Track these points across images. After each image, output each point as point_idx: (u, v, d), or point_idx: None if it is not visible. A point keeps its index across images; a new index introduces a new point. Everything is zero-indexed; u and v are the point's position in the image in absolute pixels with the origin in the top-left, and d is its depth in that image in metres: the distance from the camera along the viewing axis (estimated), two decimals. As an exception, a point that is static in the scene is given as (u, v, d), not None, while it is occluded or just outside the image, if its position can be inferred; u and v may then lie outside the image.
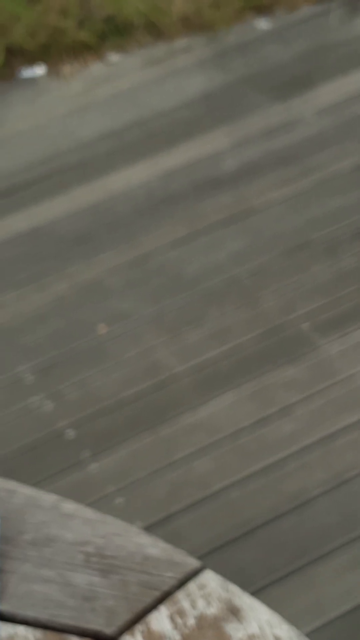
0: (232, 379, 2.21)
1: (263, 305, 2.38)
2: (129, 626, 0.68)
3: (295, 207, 2.65)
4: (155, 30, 3.38)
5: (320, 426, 2.08)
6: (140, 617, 0.68)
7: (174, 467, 2.05)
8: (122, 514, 1.97)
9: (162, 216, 2.69)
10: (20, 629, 0.69)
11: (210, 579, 0.71)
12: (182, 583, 0.71)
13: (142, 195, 2.78)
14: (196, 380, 2.23)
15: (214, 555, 1.88)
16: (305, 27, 3.35)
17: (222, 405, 2.16)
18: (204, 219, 2.66)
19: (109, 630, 0.69)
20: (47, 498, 0.79)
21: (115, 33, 3.36)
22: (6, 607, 0.70)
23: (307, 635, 1.73)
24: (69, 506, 0.79)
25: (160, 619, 0.68)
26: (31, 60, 3.35)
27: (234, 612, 0.67)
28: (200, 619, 0.67)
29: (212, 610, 0.68)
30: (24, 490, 0.80)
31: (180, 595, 0.70)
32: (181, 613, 0.68)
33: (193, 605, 0.69)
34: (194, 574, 0.72)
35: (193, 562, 0.72)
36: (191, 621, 0.67)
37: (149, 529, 1.93)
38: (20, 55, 3.36)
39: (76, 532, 0.76)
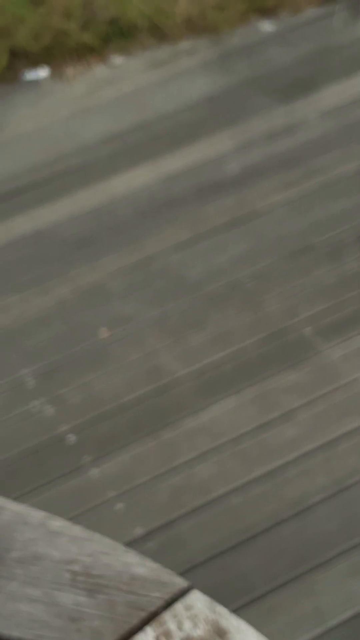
0: (234, 383, 2.21)
1: (265, 309, 2.37)
2: (114, 647, 0.68)
3: (299, 211, 2.64)
4: (159, 33, 3.37)
5: (322, 431, 2.07)
6: (125, 638, 0.68)
7: (175, 472, 2.05)
8: (123, 520, 1.97)
9: (164, 219, 2.68)
10: (6, 649, 0.69)
11: (197, 600, 0.70)
12: (169, 604, 0.70)
13: (145, 198, 2.77)
14: (198, 385, 2.22)
15: (214, 562, 1.88)
16: (309, 29, 3.34)
17: (224, 409, 2.16)
18: (207, 223, 2.65)
19: (94, 651, 0.68)
20: (35, 515, 0.78)
21: (119, 35, 3.36)
22: (-8, 627, 0.70)
23: (308, 642, 1.73)
24: (57, 523, 0.78)
25: (146, 641, 0.68)
26: (34, 62, 3.35)
27: (220, 634, 0.67)
28: (186, 641, 0.67)
29: (199, 632, 0.67)
30: (12, 507, 0.79)
31: (166, 616, 0.69)
32: (167, 634, 0.68)
33: (179, 626, 0.68)
34: (181, 594, 0.71)
35: (180, 582, 0.72)
36: (177, 643, 0.67)
37: (150, 534, 1.93)
38: (23, 58, 3.36)
39: (63, 550, 0.75)
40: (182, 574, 1.84)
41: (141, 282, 2.52)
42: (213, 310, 2.39)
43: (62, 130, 3.10)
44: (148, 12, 3.37)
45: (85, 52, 3.33)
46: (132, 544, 1.92)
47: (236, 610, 1.77)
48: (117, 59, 3.36)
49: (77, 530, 0.77)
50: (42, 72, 3.32)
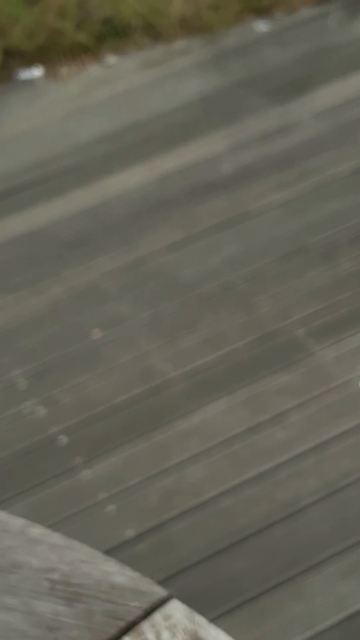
0: (226, 384, 2.20)
1: (258, 311, 2.36)
2: (92, 657, 0.67)
3: (292, 212, 2.63)
4: (154, 32, 3.36)
5: (314, 433, 2.07)
6: (103, 648, 0.67)
7: (166, 474, 2.04)
8: (114, 521, 1.97)
9: (158, 220, 2.68)
10: (-17, 659, 0.68)
11: (176, 609, 0.70)
12: (147, 613, 0.70)
13: (139, 198, 2.77)
14: (190, 386, 2.22)
15: (206, 564, 1.87)
16: (304, 29, 3.33)
17: (216, 411, 2.15)
18: (201, 223, 2.65)
19: (72, 661, 0.67)
20: (15, 522, 0.78)
21: (113, 35, 3.35)
22: (-31, 637, 0.69)
23: (298, 645, 1.72)
24: (36, 531, 0.78)
25: (123, 651, 0.67)
26: (29, 61, 3.34)
27: (198, 644, 0.66)
28: (164, 652, 0.66)
29: (177, 642, 0.67)
30: (-8, 514, 0.78)
31: (145, 626, 0.69)
32: (145, 645, 0.67)
33: (158, 636, 0.68)
34: (160, 603, 0.70)
35: (160, 592, 0.71)
36: (155, 653, 0.66)
37: (141, 536, 1.92)
38: (17, 57, 3.35)
39: (42, 558, 0.75)
40: (173, 576, 1.84)
41: (134, 283, 2.51)
42: (206, 311, 2.39)
43: (56, 130, 3.09)
44: (142, 11, 3.36)
45: (80, 52, 3.33)
46: (123, 545, 1.91)
47: (227, 613, 1.77)
48: (112, 59, 3.36)
49: (56, 538, 0.77)
50: (37, 72, 3.32)
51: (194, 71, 3.22)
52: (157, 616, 0.69)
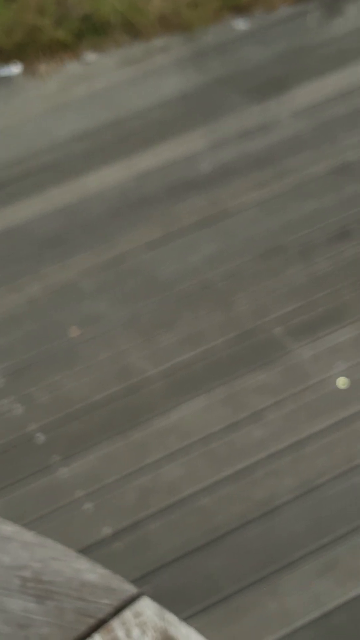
0: (204, 383, 2.20)
1: (236, 309, 2.36)
2: (62, 655, 0.67)
3: (270, 210, 2.64)
4: (133, 30, 3.36)
5: (291, 432, 2.07)
6: (73, 645, 0.67)
7: (144, 472, 2.04)
8: (91, 519, 1.96)
9: (136, 218, 2.68)
10: None
11: (146, 607, 0.70)
12: (117, 610, 0.70)
13: (117, 196, 2.77)
14: (168, 384, 2.22)
15: (182, 562, 1.87)
16: (283, 28, 3.34)
17: (193, 409, 2.15)
18: (179, 222, 2.65)
19: (42, 658, 0.67)
20: (-14, 520, 0.78)
21: (92, 32, 3.34)
22: None
23: (274, 643, 1.73)
24: (8, 528, 0.77)
25: (93, 648, 0.67)
26: (7, 58, 3.33)
27: (168, 642, 0.66)
28: (134, 649, 0.66)
29: (147, 639, 0.67)
30: (-36, 512, 0.78)
31: (115, 623, 0.69)
32: (115, 642, 0.67)
33: (128, 634, 0.68)
34: (130, 601, 0.70)
35: (130, 589, 0.71)
36: (125, 651, 0.66)
37: (118, 534, 1.92)
38: (-4, 54, 3.35)
39: (13, 555, 0.75)
40: (149, 574, 1.84)
41: (112, 281, 2.51)
42: (184, 309, 2.39)
43: (34, 127, 3.08)
44: (121, 9, 3.36)
45: (59, 49, 3.32)
46: (99, 544, 1.91)
47: (202, 611, 1.77)
48: (91, 56, 3.35)
49: (28, 535, 0.77)
50: (15, 69, 3.31)
51: (173, 69, 3.22)
52: (128, 613, 0.69)
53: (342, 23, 3.33)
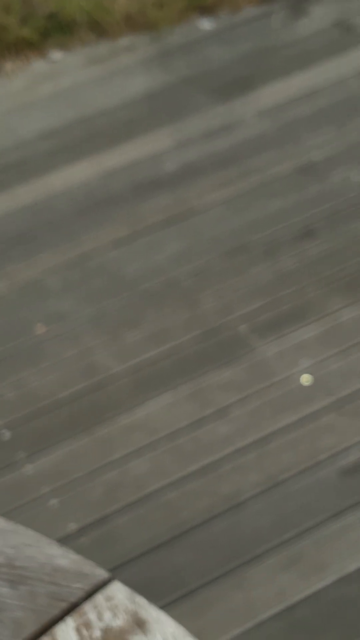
0: (170, 379, 2.22)
1: (202, 307, 2.38)
2: (35, 638, 0.68)
3: (235, 209, 2.66)
4: (99, 29, 3.37)
5: (256, 428, 2.09)
6: (46, 628, 0.68)
7: (110, 468, 2.05)
8: (57, 515, 1.97)
9: (102, 216, 2.69)
10: None
11: (117, 591, 0.71)
12: (89, 594, 0.71)
13: (83, 194, 2.77)
14: (134, 381, 2.23)
15: (148, 556, 1.88)
16: (248, 28, 3.36)
17: (159, 405, 2.17)
18: (144, 220, 2.66)
19: (15, 642, 0.69)
20: None
21: (58, 30, 3.35)
22: None
23: (239, 636, 1.74)
24: (-19, 516, 0.78)
25: (66, 631, 0.68)
26: (-27, 56, 3.33)
27: (139, 624, 0.68)
28: (106, 631, 0.67)
29: (118, 622, 0.68)
30: None
31: (87, 606, 0.70)
32: (87, 625, 0.69)
33: (99, 617, 0.69)
34: (102, 585, 0.72)
35: (102, 574, 0.72)
36: (97, 633, 0.68)
37: (83, 530, 1.93)
38: None
39: (-14, 542, 0.76)
40: (116, 568, 1.85)
41: (78, 279, 2.52)
42: (150, 307, 2.40)
43: (0, 126, 3.08)
44: (87, 7, 3.37)
45: (24, 47, 3.32)
46: (65, 539, 1.92)
47: (169, 605, 1.78)
48: (56, 54, 3.36)
49: (1, 522, 0.78)
50: (-19, 67, 3.31)
51: (138, 68, 3.23)
52: (99, 597, 0.71)
53: (307, 24, 3.36)
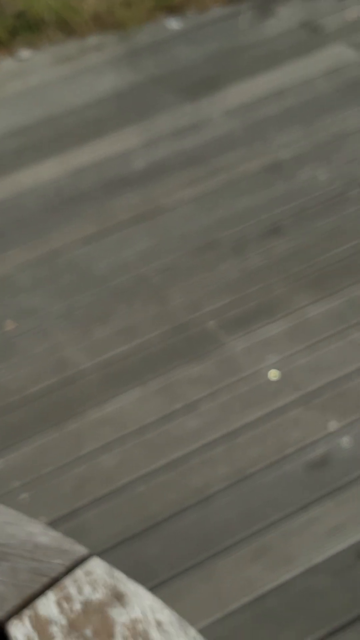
0: (139, 375, 2.23)
1: (171, 303, 2.40)
2: (17, 611, 0.70)
3: (203, 207, 2.68)
4: (67, 27, 3.38)
5: (224, 422, 2.11)
6: (28, 602, 0.70)
7: (80, 462, 2.06)
8: (27, 509, 1.98)
9: (71, 213, 2.70)
10: None
11: (96, 566, 0.73)
12: (69, 570, 0.73)
13: (52, 192, 2.78)
14: (103, 376, 2.24)
15: (118, 549, 1.90)
16: (215, 28, 3.39)
17: (128, 400, 2.18)
18: (113, 217, 2.68)
19: (-3, 616, 0.70)
20: None
21: (26, 29, 3.36)
22: None
23: (208, 626, 1.76)
24: None
25: (47, 604, 0.70)
26: None
27: (118, 597, 0.70)
28: (86, 604, 0.69)
29: (98, 595, 0.70)
30: None
31: (67, 581, 0.72)
32: (68, 598, 0.70)
33: (79, 591, 0.71)
34: (81, 560, 0.74)
35: (81, 550, 0.74)
36: (77, 606, 0.69)
37: (53, 523, 1.94)
38: None
39: (-32, 521, 0.77)
40: (86, 561, 1.86)
41: (48, 275, 2.53)
42: (119, 303, 2.42)
43: (-32, 123, 3.09)
44: (55, 6, 3.38)
45: (-7, 45, 3.33)
46: (36, 533, 1.93)
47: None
48: (25, 53, 3.36)
49: (-19, 502, 0.79)
50: None
51: (107, 67, 3.25)
52: (79, 572, 0.73)
53: (274, 24, 3.40)
